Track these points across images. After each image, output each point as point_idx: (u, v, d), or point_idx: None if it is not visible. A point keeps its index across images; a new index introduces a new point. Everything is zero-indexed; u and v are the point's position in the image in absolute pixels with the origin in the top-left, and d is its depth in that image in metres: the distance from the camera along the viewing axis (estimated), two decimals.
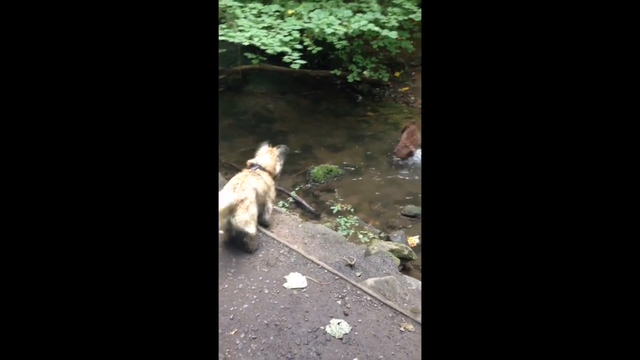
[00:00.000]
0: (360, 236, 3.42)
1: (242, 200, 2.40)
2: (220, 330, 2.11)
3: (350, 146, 5.26)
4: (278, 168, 2.89)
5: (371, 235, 3.44)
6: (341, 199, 4.00)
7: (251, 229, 2.46)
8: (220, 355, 1.99)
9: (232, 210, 2.38)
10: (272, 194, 2.81)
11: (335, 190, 4.24)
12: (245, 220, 2.41)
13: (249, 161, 2.81)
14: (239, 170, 4.08)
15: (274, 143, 5.39)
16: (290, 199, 3.99)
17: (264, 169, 2.74)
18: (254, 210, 2.48)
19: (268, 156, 2.82)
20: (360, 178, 4.58)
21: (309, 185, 4.41)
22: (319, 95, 6.10)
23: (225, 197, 2.36)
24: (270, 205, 2.80)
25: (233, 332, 2.10)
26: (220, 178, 3.64)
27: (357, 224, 3.57)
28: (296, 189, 4.22)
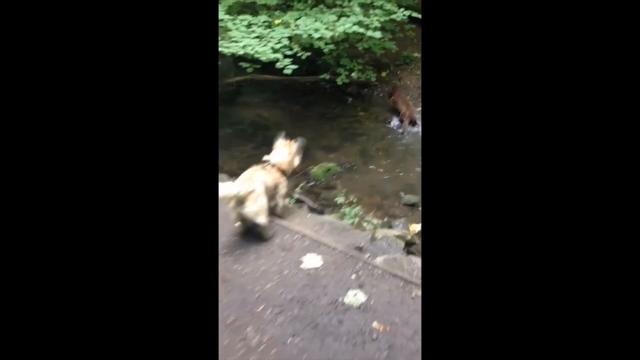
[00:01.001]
0: (365, 224, 3.65)
1: (250, 192, 2.61)
2: (248, 307, 2.31)
3: (345, 145, 5.51)
4: (296, 162, 3.08)
5: (375, 221, 3.67)
6: (344, 190, 4.24)
7: (261, 219, 2.67)
8: (251, 328, 2.19)
9: (241, 201, 2.59)
10: (283, 188, 3.01)
11: (338, 182, 4.47)
12: (255, 211, 2.63)
13: (264, 157, 3.01)
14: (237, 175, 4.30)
15: (271, 148, 5.63)
16: (294, 198, 4.21)
17: (273, 166, 2.94)
18: (263, 201, 2.69)
19: (285, 150, 3.00)
20: (357, 175, 4.83)
21: (310, 184, 4.64)
22: (310, 100, 6.38)
23: (231, 187, 2.56)
24: (280, 200, 3.01)
25: (260, 308, 2.31)
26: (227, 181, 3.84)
27: (360, 213, 3.79)
28: (298, 189, 4.44)
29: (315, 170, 4.77)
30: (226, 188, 2.53)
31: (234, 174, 4.57)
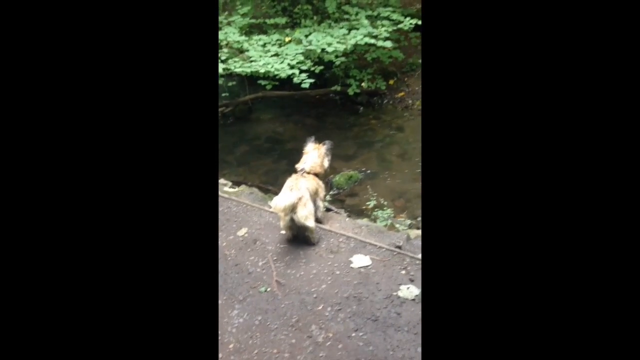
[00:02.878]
0: (398, 225, 3.81)
1: (300, 198, 2.79)
2: (308, 307, 2.45)
3: (362, 153, 5.72)
4: (326, 164, 3.27)
5: (408, 222, 3.84)
6: (375, 194, 4.41)
7: (311, 222, 2.84)
8: (315, 326, 2.33)
9: (293, 208, 2.76)
10: (322, 192, 3.19)
11: (366, 187, 4.64)
12: (305, 215, 2.80)
13: (297, 165, 3.19)
14: (266, 190, 4.47)
15: (289, 161, 5.81)
16: (322, 208, 4.37)
17: (309, 172, 3.12)
18: (310, 206, 2.87)
19: (315, 154, 3.19)
20: (378, 181, 5.01)
21: (334, 192, 4.81)
22: (322, 112, 6.60)
23: (287, 197, 2.75)
24: (320, 204, 3.18)
25: (320, 307, 2.45)
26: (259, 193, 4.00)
27: (392, 216, 3.96)
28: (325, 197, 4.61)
29: (338, 178, 4.96)
30: (281, 200, 2.73)
31: (263, 189, 4.75)
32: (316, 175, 3.16)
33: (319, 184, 3.17)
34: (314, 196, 3.04)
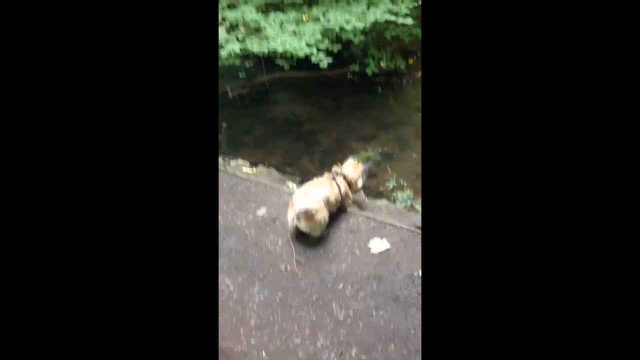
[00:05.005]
0: (417, 207, 3.79)
1: (316, 211, 2.73)
2: (328, 286, 2.48)
3: (380, 134, 5.66)
4: (360, 183, 3.21)
5: None
6: (394, 174, 4.40)
7: (315, 232, 2.80)
8: (335, 304, 2.36)
9: (298, 218, 2.75)
10: (349, 198, 3.14)
11: (388, 167, 4.62)
12: (311, 227, 2.76)
13: (334, 167, 3.17)
14: (284, 171, 4.48)
15: (306, 142, 5.79)
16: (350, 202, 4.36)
17: (345, 177, 3.10)
18: (319, 217, 2.77)
19: (351, 169, 3.16)
20: (397, 162, 4.97)
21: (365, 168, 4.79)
22: (340, 92, 6.54)
23: (306, 203, 2.71)
24: (349, 202, 3.15)
25: (340, 286, 2.47)
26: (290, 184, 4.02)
27: (412, 197, 3.94)
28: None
29: (356, 160, 4.94)
30: (300, 202, 2.70)
31: (280, 170, 4.77)
32: (349, 183, 3.11)
33: (347, 192, 3.10)
34: (334, 206, 2.97)
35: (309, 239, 2.86)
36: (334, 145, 5.54)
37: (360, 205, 3.31)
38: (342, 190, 3.08)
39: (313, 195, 2.81)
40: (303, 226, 2.76)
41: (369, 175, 3.40)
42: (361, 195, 3.44)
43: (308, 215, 2.71)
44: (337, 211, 3.05)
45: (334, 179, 3.06)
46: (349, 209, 3.16)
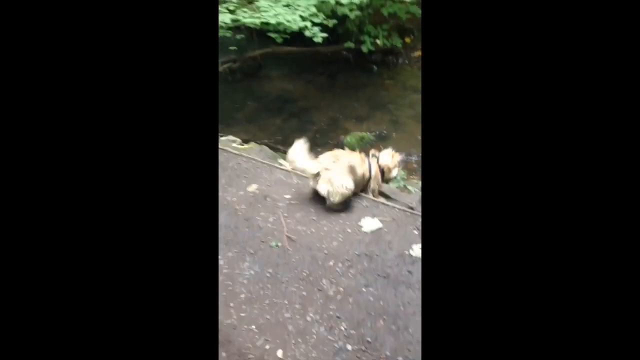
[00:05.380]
0: (410, 187, 3.79)
1: (325, 170, 2.76)
2: (319, 263, 2.48)
3: (375, 114, 5.62)
4: (394, 172, 3.20)
5: (419, 183, 3.82)
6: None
7: (334, 199, 2.79)
8: (326, 280, 2.36)
9: (315, 176, 2.74)
10: (375, 184, 3.10)
11: (382, 148, 4.61)
12: (328, 190, 2.77)
13: (371, 150, 3.16)
14: (275, 149, 4.42)
15: (300, 120, 5.70)
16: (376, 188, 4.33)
17: (378, 162, 3.08)
18: (339, 183, 2.76)
19: (389, 158, 3.14)
20: (391, 143, 4.95)
21: None
22: (334, 70, 6.45)
23: (311, 164, 2.77)
24: (375, 187, 3.12)
25: (331, 263, 2.48)
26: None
27: (405, 177, 3.93)
28: None
29: (349, 139, 4.90)
30: (307, 165, 2.78)
31: (271, 147, 4.71)
32: (382, 169, 3.09)
33: (376, 175, 3.07)
34: (361, 181, 2.95)
35: (326, 205, 2.86)
36: (328, 125, 5.49)
37: (387, 197, 3.26)
38: (373, 172, 3.05)
39: (342, 161, 2.82)
40: (319, 188, 2.75)
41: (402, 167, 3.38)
42: (390, 188, 3.43)
43: (326, 177, 2.72)
44: (361, 192, 3.03)
45: (368, 157, 3.04)
46: (372, 196, 3.10)
